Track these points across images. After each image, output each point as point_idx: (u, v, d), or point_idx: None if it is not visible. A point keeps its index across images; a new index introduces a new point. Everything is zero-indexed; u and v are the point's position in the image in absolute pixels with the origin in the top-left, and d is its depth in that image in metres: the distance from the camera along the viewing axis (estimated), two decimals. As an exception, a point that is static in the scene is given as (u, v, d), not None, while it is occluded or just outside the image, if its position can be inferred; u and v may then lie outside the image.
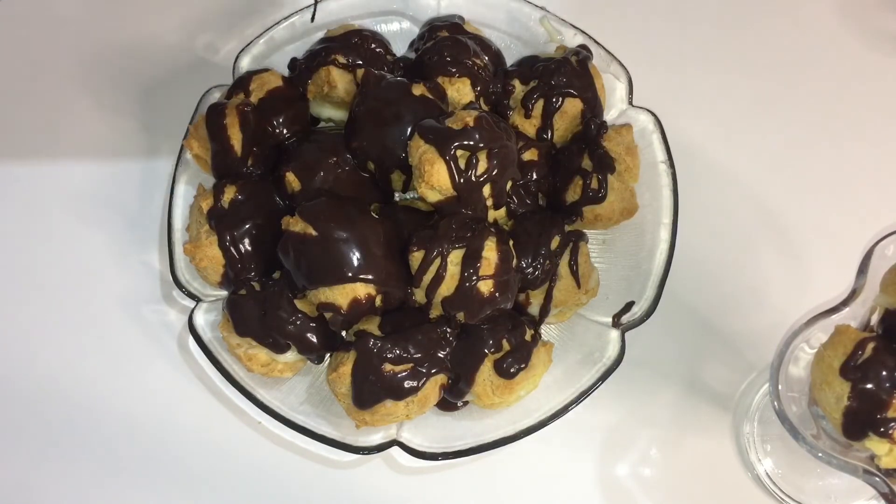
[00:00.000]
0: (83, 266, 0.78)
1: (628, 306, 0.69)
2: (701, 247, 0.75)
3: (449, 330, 0.65)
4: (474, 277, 0.62)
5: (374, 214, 0.67)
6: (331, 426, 0.66)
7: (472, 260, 0.62)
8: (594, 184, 0.69)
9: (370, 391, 0.62)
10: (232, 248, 0.67)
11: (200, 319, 0.69)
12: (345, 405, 0.64)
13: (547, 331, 0.71)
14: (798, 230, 0.77)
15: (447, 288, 0.62)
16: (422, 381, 0.63)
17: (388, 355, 0.62)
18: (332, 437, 0.65)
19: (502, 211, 0.68)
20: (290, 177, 0.69)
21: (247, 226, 0.68)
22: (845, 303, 0.52)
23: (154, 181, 0.81)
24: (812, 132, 0.81)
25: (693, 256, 0.74)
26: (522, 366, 0.64)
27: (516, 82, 0.74)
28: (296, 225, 0.63)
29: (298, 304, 0.66)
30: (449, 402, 0.68)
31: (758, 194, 0.78)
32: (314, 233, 0.62)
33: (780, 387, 0.54)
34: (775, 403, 0.54)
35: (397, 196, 0.74)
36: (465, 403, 0.68)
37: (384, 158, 0.68)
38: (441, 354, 0.64)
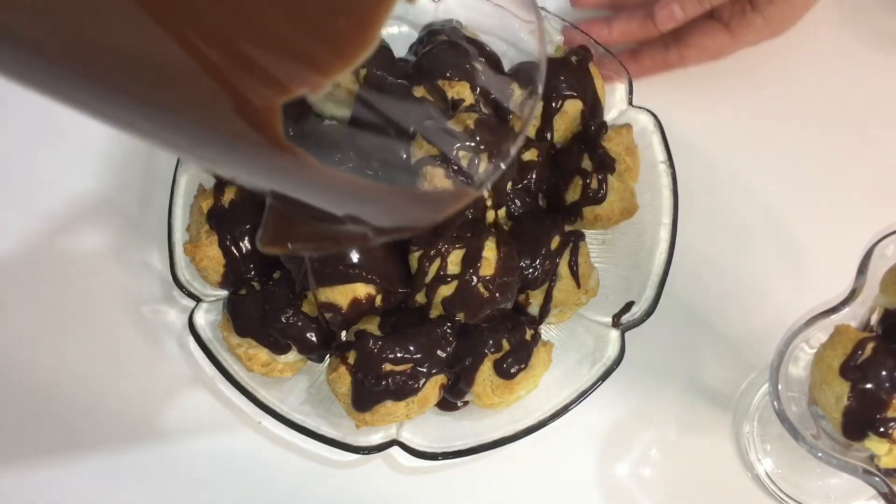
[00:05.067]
0: (83, 266, 0.78)
1: (628, 306, 0.69)
2: (701, 247, 0.75)
3: (449, 330, 0.65)
4: (474, 278, 0.62)
5: (374, 214, 0.67)
6: (331, 426, 0.66)
7: (472, 260, 0.62)
8: (594, 184, 0.69)
9: (370, 391, 0.62)
10: (232, 248, 0.67)
11: (200, 319, 0.69)
12: (345, 405, 0.64)
13: (547, 331, 0.71)
14: (798, 230, 0.76)
15: (447, 288, 0.62)
16: (422, 381, 0.63)
17: (389, 355, 0.62)
18: (332, 437, 0.65)
19: (502, 211, 0.68)
20: (291, 177, 0.69)
21: (247, 226, 0.68)
22: (845, 303, 0.52)
23: (154, 181, 0.80)
24: (812, 132, 0.81)
25: (693, 256, 0.74)
26: (522, 366, 0.64)
27: (515, 86, 0.74)
28: (296, 225, 0.63)
29: (298, 304, 0.66)
30: (449, 402, 0.68)
31: (758, 194, 0.78)
32: (314, 233, 0.62)
33: (779, 387, 0.54)
34: (775, 403, 0.54)
35: (397, 196, 0.74)
36: (465, 403, 0.68)
37: (385, 158, 0.69)
38: (441, 354, 0.64)
